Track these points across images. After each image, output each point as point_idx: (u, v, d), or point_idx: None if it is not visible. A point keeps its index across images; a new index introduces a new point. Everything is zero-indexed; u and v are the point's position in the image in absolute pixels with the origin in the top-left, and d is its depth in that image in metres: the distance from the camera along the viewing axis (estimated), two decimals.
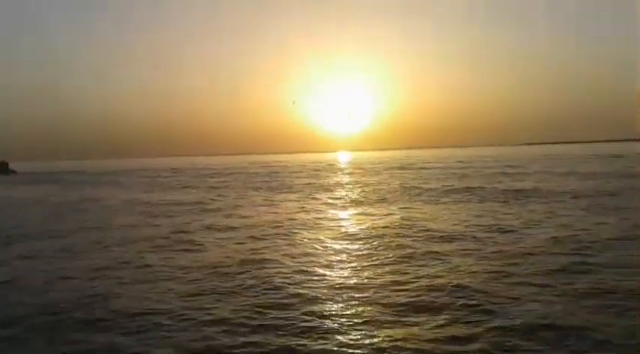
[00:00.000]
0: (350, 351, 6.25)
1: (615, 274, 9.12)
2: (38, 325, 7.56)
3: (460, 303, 7.76)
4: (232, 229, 16.52)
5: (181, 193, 33.69)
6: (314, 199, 26.38)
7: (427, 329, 6.78)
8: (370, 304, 7.89)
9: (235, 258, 11.64)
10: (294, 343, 6.54)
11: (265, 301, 8.29)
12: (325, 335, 6.75)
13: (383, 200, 24.05)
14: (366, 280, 9.33)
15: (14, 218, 22.46)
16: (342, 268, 10.46)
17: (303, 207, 22.44)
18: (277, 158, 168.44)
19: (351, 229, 15.61)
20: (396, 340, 6.46)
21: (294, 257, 11.62)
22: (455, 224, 15.65)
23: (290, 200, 26.02)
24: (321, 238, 14.16)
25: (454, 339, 6.43)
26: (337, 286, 9.07)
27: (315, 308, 7.84)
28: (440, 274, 9.56)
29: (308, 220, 18.13)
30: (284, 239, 14.12)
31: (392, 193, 27.27)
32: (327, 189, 32.71)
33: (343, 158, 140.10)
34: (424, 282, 9.02)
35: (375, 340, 6.51)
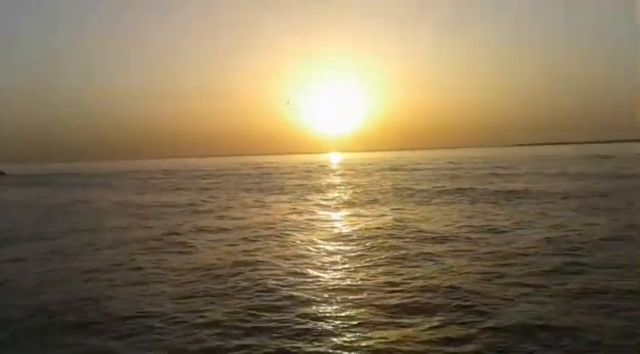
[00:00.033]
0: (344, 353, 6.24)
1: (607, 274, 9.18)
2: (29, 329, 7.48)
3: (454, 304, 7.77)
4: (224, 230, 16.46)
5: (173, 194, 33.52)
6: (306, 200, 26.36)
7: (421, 330, 6.79)
8: (364, 306, 7.88)
9: (228, 260, 11.59)
10: (288, 345, 6.51)
11: (259, 303, 8.25)
12: (319, 337, 6.73)
13: (375, 201, 24.07)
14: (359, 282, 9.32)
15: (4, 220, 22.24)
16: (335, 270, 10.45)
17: (295, 208, 22.41)
18: (269, 159, 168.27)
19: (344, 231, 15.61)
20: (391, 342, 6.45)
21: (287, 259, 11.59)
22: (447, 225, 15.69)
23: (282, 201, 25.98)
24: (313, 239, 14.15)
25: (449, 340, 6.44)
26: (331, 287, 9.05)
27: (309, 310, 7.82)
28: (433, 275, 9.58)
29: (300, 221, 18.10)
30: (276, 241, 14.08)
31: (384, 194, 27.31)
32: (319, 190, 32.70)
33: (335, 159, 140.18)
34: (418, 283, 9.03)
35: (370, 342, 6.50)
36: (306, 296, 8.53)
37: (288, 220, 18.30)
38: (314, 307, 7.95)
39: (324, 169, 71.88)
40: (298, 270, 10.45)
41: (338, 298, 8.39)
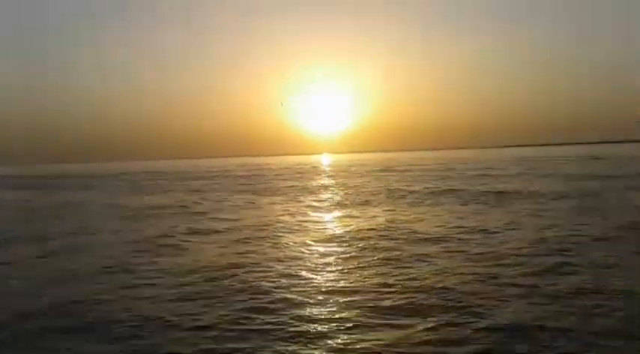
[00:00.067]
0: None
1: (600, 274, 9.24)
2: (17, 333, 7.36)
3: (448, 305, 7.78)
4: (217, 232, 16.39)
5: (165, 196, 33.34)
6: (298, 201, 26.33)
7: (416, 332, 6.78)
8: (358, 308, 7.86)
9: (221, 262, 11.53)
10: (283, 348, 6.48)
11: (253, 305, 8.20)
12: (314, 340, 6.69)
13: (367, 202, 24.09)
14: (353, 283, 9.30)
15: None
16: (328, 271, 10.42)
17: (288, 210, 22.37)
18: (260, 161, 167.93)
19: (337, 232, 15.59)
20: (386, 344, 6.43)
21: (281, 261, 11.55)
22: (439, 226, 15.73)
23: (275, 203, 25.92)
24: (306, 240, 14.12)
25: (444, 341, 6.43)
26: (325, 289, 9.03)
27: (304, 312, 7.78)
28: (427, 276, 9.59)
29: (293, 222, 18.06)
30: (270, 242, 14.03)
31: (376, 196, 27.33)
32: (312, 192, 32.67)
33: (327, 161, 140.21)
34: (411, 284, 9.04)
35: (365, 344, 6.48)
36: (300, 298, 8.50)
37: (280, 222, 18.26)
38: (308, 309, 7.92)
39: (316, 170, 71.89)
40: (292, 272, 10.42)
41: (332, 299, 8.37)
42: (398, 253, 11.82)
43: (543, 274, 9.38)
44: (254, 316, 7.69)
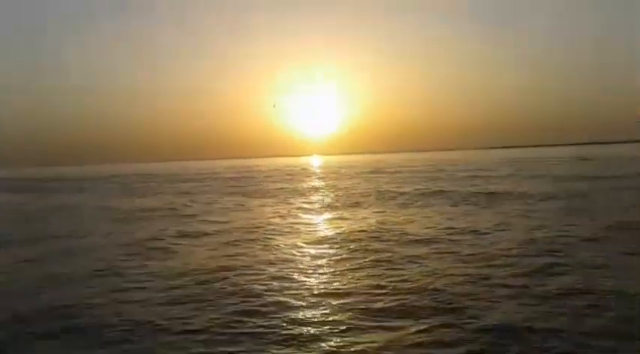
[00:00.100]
0: None
1: (589, 274, 9.31)
2: (6, 338, 7.26)
3: (440, 306, 7.79)
4: (207, 235, 16.29)
5: (155, 198, 33.12)
6: (289, 203, 26.28)
7: (409, 334, 6.77)
8: (351, 310, 7.84)
9: (212, 265, 11.46)
10: (275, 351, 6.44)
11: (244, 308, 8.15)
12: (307, 343, 6.66)
13: (357, 204, 24.10)
14: (345, 285, 9.29)
15: None
16: (320, 274, 10.40)
17: (278, 212, 22.31)
18: (249, 163, 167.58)
19: (328, 234, 15.57)
20: (378, 346, 6.42)
21: (272, 263, 11.50)
22: (430, 227, 15.77)
23: (265, 205, 25.85)
24: (297, 243, 14.09)
25: (436, 343, 6.43)
26: (317, 291, 9.00)
27: (296, 315, 7.75)
28: (418, 277, 9.60)
29: (284, 225, 18.02)
30: (260, 245, 13.97)
31: (366, 197, 27.36)
32: (302, 193, 32.63)
33: (317, 162, 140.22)
34: (403, 286, 9.04)
35: (358, 346, 6.46)
36: (292, 301, 8.47)
37: (271, 224, 18.20)
38: (300, 312, 7.88)
39: (306, 172, 71.84)
40: (283, 274, 10.38)
41: (324, 302, 8.34)
42: (389, 254, 11.83)
43: (533, 275, 9.43)
44: (245, 319, 7.64)
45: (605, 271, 9.50)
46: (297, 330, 7.11)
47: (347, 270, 10.54)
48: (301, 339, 6.79)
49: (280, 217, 20.44)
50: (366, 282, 9.43)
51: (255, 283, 9.66)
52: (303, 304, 8.31)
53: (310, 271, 10.61)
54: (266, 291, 9.13)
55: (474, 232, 14.56)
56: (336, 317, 7.57)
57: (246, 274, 10.44)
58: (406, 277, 9.68)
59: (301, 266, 11.14)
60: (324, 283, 9.61)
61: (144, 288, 9.75)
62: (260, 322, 7.49)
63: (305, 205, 24.79)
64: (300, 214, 21.15)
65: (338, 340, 6.68)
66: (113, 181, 65.62)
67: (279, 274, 10.43)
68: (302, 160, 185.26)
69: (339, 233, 15.47)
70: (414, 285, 9.07)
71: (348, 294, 8.72)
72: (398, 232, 14.94)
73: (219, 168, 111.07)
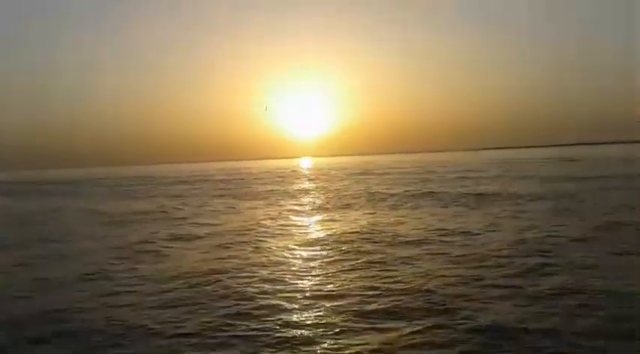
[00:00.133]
0: None
1: (579, 274, 9.39)
2: None
3: (433, 308, 7.81)
4: (199, 237, 16.21)
5: (146, 201, 32.92)
6: (280, 205, 26.24)
7: (402, 335, 6.78)
8: (344, 312, 7.84)
9: (203, 268, 11.40)
10: None
11: (236, 311, 8.12)
12: (300, 345, 6.64)
13: (348, 206, 24.12)
14: (338, 287, 9.28)
15: None
16: (312, 276, 10.39)
17: (269, 214, 22.27)
18: (240, 165, 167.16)
19: (320, 236, 15.56)
20: (372, 348, 6.42)
21: (264, 265, 11.47)
22: (421, 228, 15.82)
23: (256, 207, 25.79)
24: (289, 245, 14.06)
25: (429, 344, 6.45)
26: (309, 294, 8.99)
27: (289, 318, 7.73)
28: (410, 278, 9.62)
29: (275, 227, 17.99)
30: (252, 247, 13.93)
31: (357, 199, 27.39)
32: (293, 195, 32.61)
33: (307, 164, 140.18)
34: (396, 287, 9.05)
35: (352, 349, 6.45)
36: (285, 303, 8.44)
37: (262, 226, 18.16)
38: (293, 315, 7.87)
39: (296, 174, 71.80)
40: (276, 277, 10.35)
41: (317, 304, 8.33)
42: (381, 256, 11.85)
43: (525, 275, 9.50)
44: (238, 322, 7.61)
45: (594, 271, 9.59)
46: (290, 333, 7.09)
47: (339, 272, 10.54)
48: (294, 342, 6.77)
49: (271, 219, 20.40)
50: (359, 284, 9.44)
51: (247, 286, 9.63)
52: (296, 306, 8.30)
53: (303, 274, 10.60)
54: (258, 293, 9.10)
55: (465, 233, 14.63)
56: (329, 319, 7.56)
57: (238, 277, 10.40)
58: (399, 278, 9.71)
59: (293, 268, 11.13)
60: (317, 285, 9.60)
61: (135, 292, 9.68)
62: (253, 324, 7.46)
63: (296, 207, 24.77)
64: (291, 217, 21.12)
65: (331, 343, 6.67)
66: (104, 184, 65.11)
67: (271, 276, 10.40)
68: (292, 162, 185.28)
69: (330, 235, 15.47)
70: (406, 286, 9.09)
71: (340, 296, 8.71)
72: (389, 234, 14.97)
73: (210, 170, 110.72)
